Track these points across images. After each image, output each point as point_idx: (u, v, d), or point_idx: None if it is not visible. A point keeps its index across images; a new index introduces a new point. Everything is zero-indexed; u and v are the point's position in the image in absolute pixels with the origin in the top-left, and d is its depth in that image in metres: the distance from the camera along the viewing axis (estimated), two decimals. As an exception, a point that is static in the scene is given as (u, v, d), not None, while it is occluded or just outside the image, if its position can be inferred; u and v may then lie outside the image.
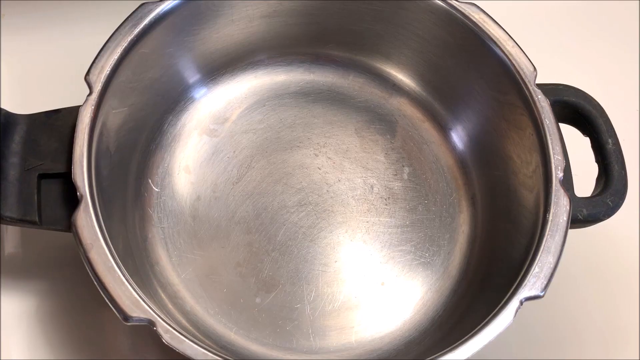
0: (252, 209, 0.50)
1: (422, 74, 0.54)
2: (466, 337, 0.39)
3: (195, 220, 0.50)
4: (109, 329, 0.49)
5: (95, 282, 0.39)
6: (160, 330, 0.38)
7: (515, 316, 0.40)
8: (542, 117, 0.45)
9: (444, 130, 0.54)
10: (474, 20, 0.48)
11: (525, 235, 0.45)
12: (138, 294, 0.38)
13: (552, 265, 0.41)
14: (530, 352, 0.51)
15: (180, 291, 0.48)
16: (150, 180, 0.50)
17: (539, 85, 0.46)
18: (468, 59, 0.50)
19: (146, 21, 0.45)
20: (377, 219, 0.51)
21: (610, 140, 0.47)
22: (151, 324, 0.38)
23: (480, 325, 0.40)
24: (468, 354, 0.39)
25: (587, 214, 0.45)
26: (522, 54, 0.47)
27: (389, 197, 0.52)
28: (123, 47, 0.44)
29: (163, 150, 0.52)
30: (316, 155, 0.53)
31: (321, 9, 0.52)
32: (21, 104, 0.47)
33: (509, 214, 0.49)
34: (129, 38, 0.44)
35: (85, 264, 0.39)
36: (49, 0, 0.59)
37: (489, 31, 0.48)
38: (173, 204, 0.50)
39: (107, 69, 0.43)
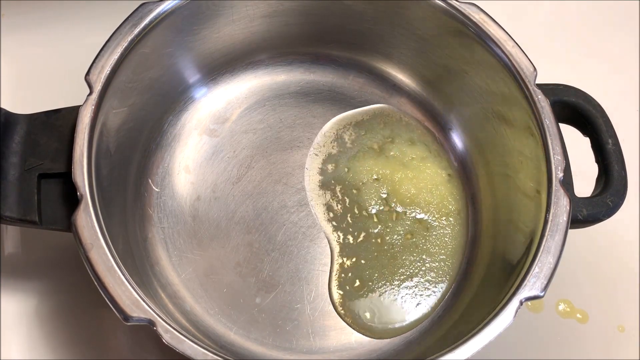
0: (252, 209, 0.50)
1: (422, 74, 0.54)
2: (466, 337, 0.39)
3: (195, 220, 0.50)
4: (109, 329, 0.49)
5: (95, 282, 0.39)
6: (160, 330, 0.38)
7: (515, 316, 0.40)
8: (542, 117, 0.45)
9: (444, 130, 0.54)
10: (474, 20, 0.48)
11: (525, 235, 0.45)
12: (138, 294, 0.38)
13: (552, 265, 0.41)
14: (530, 352, 0.51)
15: (180, 291, 0.48)
16: (150, 180, 0.50)
17: (539, 85, 0.46)
18: (468, 59, 0.50)
19: (146, 21, 0.45)
20: (377, 219, 0.51)
21: (610, 140, 0.47)
22: (151, 324, 0.38)
23: (481, 325, 0.40)
24: (468, 354, 0.39)
25: (587, 214, 0.45)
26: (522, 54, 0.47)
27: (389, 197, 0.52)
28: (123, 47, 0.44)
29: (163, 150, 0.52)
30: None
31: (321, 9, 0.52)
32: (21, 104, 0.47)
33: (509, 214, 0.49)
34: (129, 38, 0.44)
35: (85, 264, 0.39)
36: (49, 0, 0.59)
37: (489, 31, 0.48)
38: (173, 204, 0.50)
39: (107, 69, 0.43)
